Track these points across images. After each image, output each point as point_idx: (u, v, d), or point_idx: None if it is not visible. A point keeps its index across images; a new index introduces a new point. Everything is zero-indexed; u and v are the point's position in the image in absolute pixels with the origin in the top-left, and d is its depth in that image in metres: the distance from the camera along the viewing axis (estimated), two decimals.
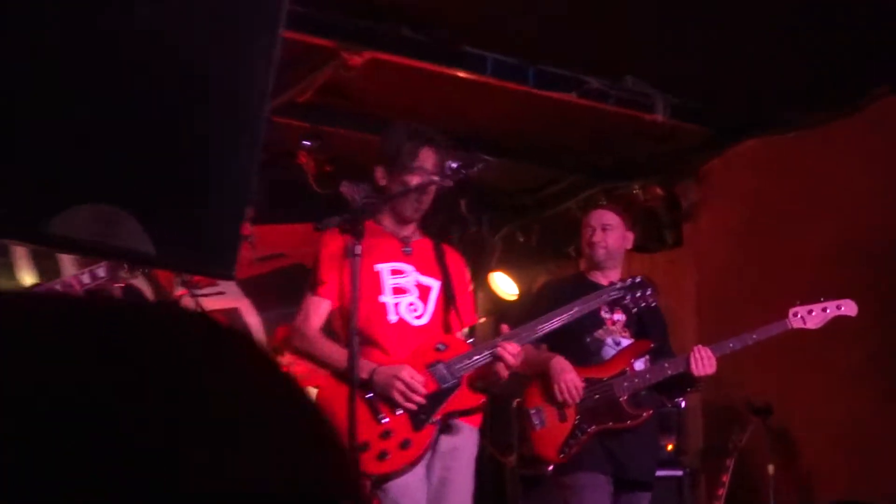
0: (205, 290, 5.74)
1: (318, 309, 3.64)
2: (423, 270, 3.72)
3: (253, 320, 7.06)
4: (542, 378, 4.22)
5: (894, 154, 5.26)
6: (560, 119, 5.93)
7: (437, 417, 3.49)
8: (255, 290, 7.04)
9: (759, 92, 5.67)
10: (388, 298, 3.60)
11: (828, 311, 4.32)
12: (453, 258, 3.89)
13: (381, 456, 3.41)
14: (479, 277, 7.53)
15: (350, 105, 5.92)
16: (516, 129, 6.25)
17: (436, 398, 3.49)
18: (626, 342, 4.37)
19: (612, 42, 5.22)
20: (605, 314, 4.37)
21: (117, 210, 1.67)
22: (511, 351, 3.51)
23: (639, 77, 5.53)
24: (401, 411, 3.44)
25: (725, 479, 5.34)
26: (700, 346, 4.22)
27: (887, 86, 5.32)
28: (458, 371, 3.53)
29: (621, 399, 4.22)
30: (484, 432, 6.36)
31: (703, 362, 4.17)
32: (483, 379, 3.70)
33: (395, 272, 3.64)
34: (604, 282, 4.40)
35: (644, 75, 5.53)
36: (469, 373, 3.57)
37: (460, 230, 7.50)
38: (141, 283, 5.85)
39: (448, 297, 3.72)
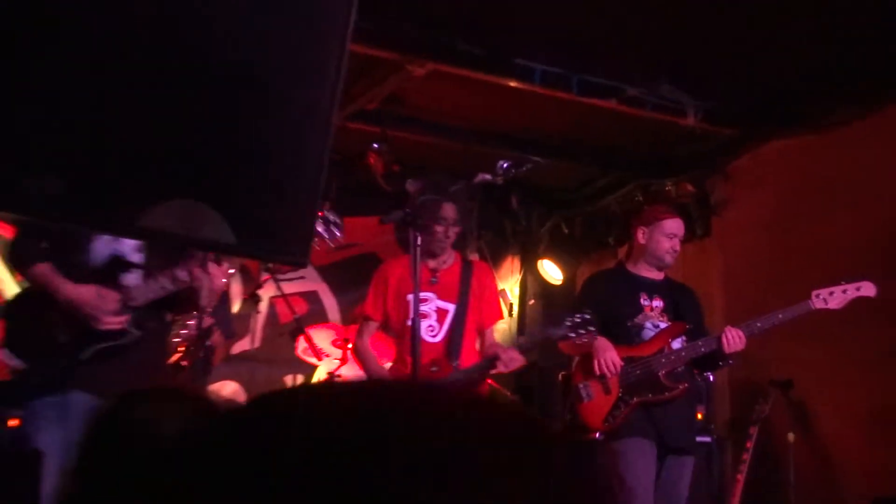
0: (287, 276, 5.77)
1: (368, 328, 4.42)
2: (442, 296, 4.25)
3: (330, 302, 7.08)
4: (588, 357, 4.20)
5: None
6: (601, 123, 5.84)
7: None
8: (331, 275, 7.10)
9: (784, 98, 5.52)
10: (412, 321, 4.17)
11: (847, 292, 4.19)
12: (481, 273, 4.42)
13: None
14: (529, 264, 7.50)
15: (413, 112, 5.89)
16: (561, 131, 6.17)
17: None
18: (664, 325, 4.31)
19: (649, 54, 5.12)
20: (644, 301, 4.31)
21: (201, 205, 1.64)
22: (506, 361, 4.05)
23: (673, 84, 5.40)
24: None
25: (750, 445, 5.25)
26: (730, 326, 4.14)
27: None
28: None
29: (660, 374, 4.18)
30: (532, 399, 6.36)
31: (734, 340, 4.10)
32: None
33: (420, 300, 4.06)
34: (645, 273, 4.38)
35: (678, 82, 5.40)
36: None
37: (512, 223, 7.49)
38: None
39: (461, 316, 4.24)
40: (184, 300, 3.60)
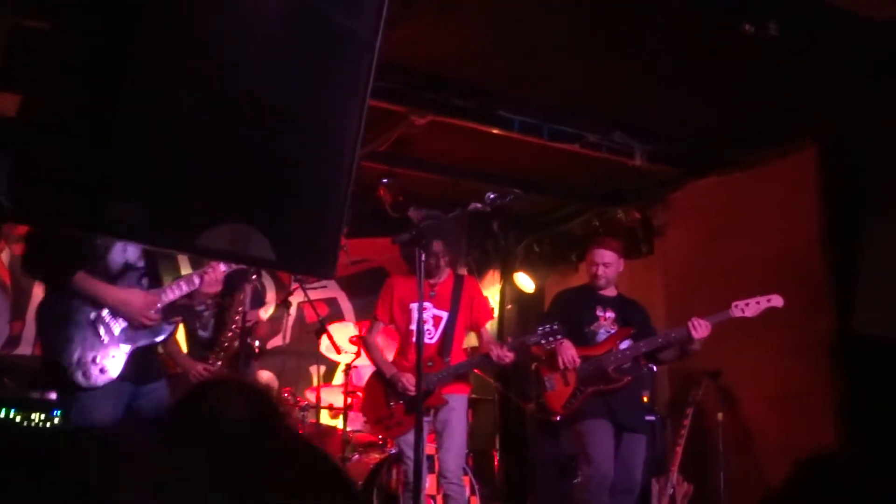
0: (312, 285, 5.73)
1: (376, 327, 4.46)
2: (438, 306, 4.32)
3: (346, 305, 7.05)
4: (554, 355, 4.20)
5: (810, 190, 5.10)
6: (566, 163, 5.84)
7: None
8: (348, 285, 7.06)
9: (711, 144, 5.54)
10: (413, 326, 4.21)
11: (760, 304, 4.17)
12: (469, 285, 4.47)
13: (387, 428, 4.22)
14: (507, 276, 7.48)
15: (416, 153, 5.87)
16: (534, 169, 6.17)
17: (424, 395, 4.00)
18: (614, 331, 4.32)
19: (604, 109, 5.14)
20: (599, 313, 4.35)
21: (248, 227, 1.62)
22: (499, 356, 4.14)
23: (624, 132, 5.42)
24: (401, 401, 4.17)
25: (686, 423, 5.23)
26: (695, 317, 4.11)
27: (807, 139, 5.16)
28: (433, 381, 4.13)
29: (609, 369, 4.19)
30: (510, 386, 6.34)
31: (701, 327, 4.09)
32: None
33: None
34: (601, 291, 4.42)
35: (628, 131, 5.42)
36: (441, 383, 4.17)
37: (494, 243, 7.48)
38: (267, 280, 5.86)
39: (452, 322, 4.29)
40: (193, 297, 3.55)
